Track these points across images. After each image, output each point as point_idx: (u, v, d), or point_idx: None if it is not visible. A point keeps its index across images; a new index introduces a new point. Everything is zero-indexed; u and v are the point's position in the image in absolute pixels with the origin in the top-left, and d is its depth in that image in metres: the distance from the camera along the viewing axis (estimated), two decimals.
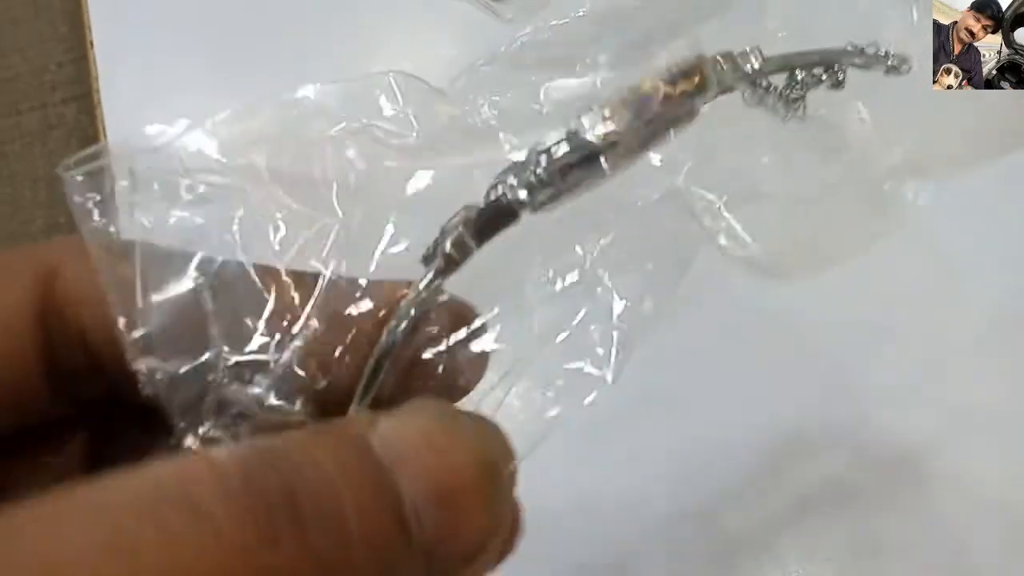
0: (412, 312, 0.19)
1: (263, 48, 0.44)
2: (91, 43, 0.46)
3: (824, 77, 0.22)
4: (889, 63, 0.22)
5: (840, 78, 0.22)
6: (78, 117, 0.50)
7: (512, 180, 0.19)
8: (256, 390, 0.18)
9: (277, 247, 0.19)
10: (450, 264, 0.19)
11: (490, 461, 0.16)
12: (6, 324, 0.18)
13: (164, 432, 0.17)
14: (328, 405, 0.18)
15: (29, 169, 0.51)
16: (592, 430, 0.32)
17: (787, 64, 0.22)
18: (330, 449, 0.14)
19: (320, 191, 0.20)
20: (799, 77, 0.22)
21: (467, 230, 0.19)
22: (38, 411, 0.19)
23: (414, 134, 0.21)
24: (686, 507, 0.32)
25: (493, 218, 0.19)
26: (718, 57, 0.21)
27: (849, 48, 0.22)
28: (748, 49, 0.21)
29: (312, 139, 0.20)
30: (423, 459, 0.15)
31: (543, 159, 0.19)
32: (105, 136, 0.44)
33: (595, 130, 0.19)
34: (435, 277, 0.19)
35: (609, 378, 0.20)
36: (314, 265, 0.19)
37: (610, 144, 0.19)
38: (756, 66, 0.21)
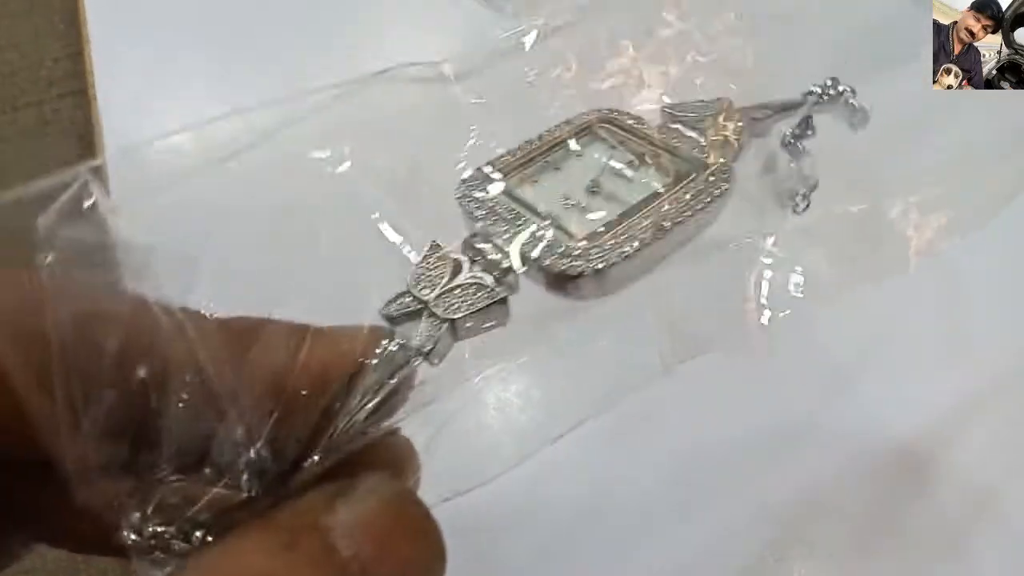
0: (382, 388, 0.17)
1: (261, 44, 0.44)
2: (87, 38, 0.46)
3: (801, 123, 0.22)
4: (854, 119, 0.22)
5: (811, 122, 0.22)
6: (74, 113, 0.50)
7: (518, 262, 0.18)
8: (201, 478, 0.16)
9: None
10: (431, 356, 0.17)
11: (435, 540, 0.16)
12: None
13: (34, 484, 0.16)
14: (271, 473, 0.17)
15: (25, 165, 0.50)
16: (592, 430, 0.32)
17: (773, 109, 0.22)
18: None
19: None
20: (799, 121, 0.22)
21: (453, 326, 0.17)
22: None
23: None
24: (689, 506, 0.32)
25: (490, 316, 0.18)
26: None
27: (825, 94, 0.22)
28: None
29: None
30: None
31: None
32: (101, 132, 0.44)
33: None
34: (411, 357, 0.17)
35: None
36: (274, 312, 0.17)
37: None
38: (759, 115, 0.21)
